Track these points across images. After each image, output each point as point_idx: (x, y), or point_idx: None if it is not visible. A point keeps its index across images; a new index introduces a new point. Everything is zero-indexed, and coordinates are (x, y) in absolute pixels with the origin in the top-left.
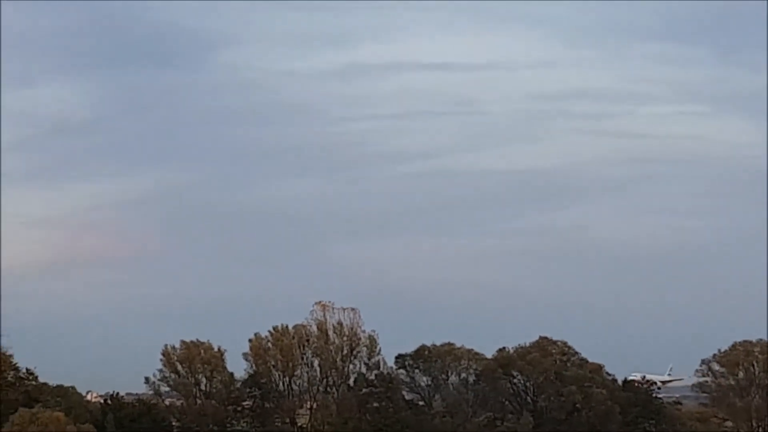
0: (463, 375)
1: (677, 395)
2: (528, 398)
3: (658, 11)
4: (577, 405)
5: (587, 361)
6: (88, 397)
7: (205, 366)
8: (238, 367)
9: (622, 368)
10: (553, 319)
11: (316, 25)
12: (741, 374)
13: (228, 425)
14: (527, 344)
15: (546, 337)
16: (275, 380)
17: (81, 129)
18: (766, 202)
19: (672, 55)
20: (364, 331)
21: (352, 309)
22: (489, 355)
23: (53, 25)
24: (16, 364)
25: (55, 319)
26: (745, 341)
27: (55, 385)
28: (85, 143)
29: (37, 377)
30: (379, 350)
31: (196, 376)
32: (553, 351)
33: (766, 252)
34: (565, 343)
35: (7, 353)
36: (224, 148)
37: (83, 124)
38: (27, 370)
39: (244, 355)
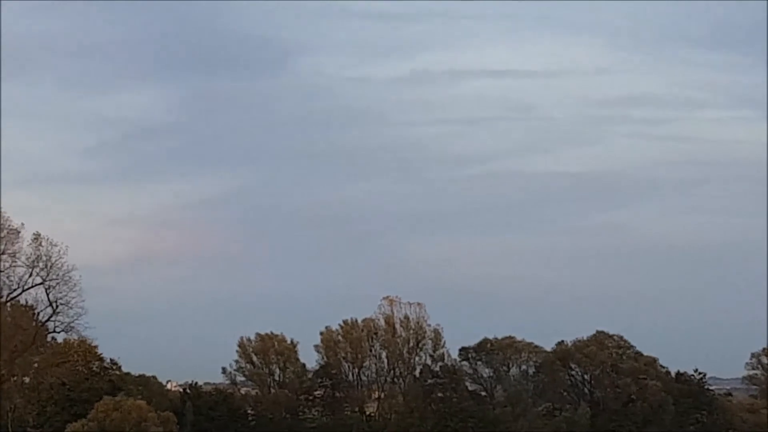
0: (524, 367)
1: (728, 387)
2: (585, 389)
3: (713, 19)
4: (633, 396)
5: (642, 355)
6: (168, 386)
7: (279, 357)
8: (310, 358)
9: (675, 361)
10: (609, 314)
11: (384, 33)
12: None
13: (300, 413)
14: (585, 338)
15: (603, 331)
16: (345, 371)
17: (163, 132)
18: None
19: (726, 62)
20: (429, 325)
21: (418, 304)
22: (548, 348)
23: (137, 32)
24: (100, 354)
25: (137, 313)
26: None
27: (137, 375)
28: (166, 146)
29: (120, 367)
30: (444, 343)
31: (270, 366)
32: (610, 344)
33: None
34: (621, 337)
35: (93, 344)
36: (298, 151)
37: (165, 128)
38: (111, 360)
39: (316, 347)
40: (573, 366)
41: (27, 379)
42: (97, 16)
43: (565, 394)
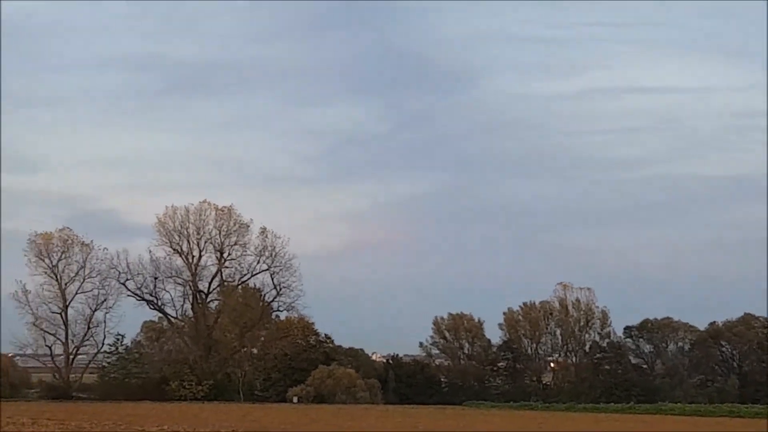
0: (680, 344)
1: None
2: (734, 364)
3: None
4: None
5: None
6: (374, 358)
7: (468, 333)
8: (494, 335)
9: None
10: (756, 299)
11: (553, 56)
12: None
13: (486, 382)
14: (734, 319)
15: (750, 314)
16: (524, 346)
17: (368, 141)
18: None
19: None
20: (597, 307)
21: (588, 288)
22: (702, 328)
23: (344, 57)
24: (316, 330)
25: (347, 295)
26: None
27: (347, 348)
28: (371, 153)
29: (333, 341)
30: (610, 323)
31: (460, 341)
32: (756, 325)
33: None
34: (766, 319)
35: (310, 321)
36: (483, 157)
37: (370, 138)
38: (325, 335)
39: (499, 325)
40: (723, 343)
41: (255, 351)
42: (313, 42)
43: (716, 367)
